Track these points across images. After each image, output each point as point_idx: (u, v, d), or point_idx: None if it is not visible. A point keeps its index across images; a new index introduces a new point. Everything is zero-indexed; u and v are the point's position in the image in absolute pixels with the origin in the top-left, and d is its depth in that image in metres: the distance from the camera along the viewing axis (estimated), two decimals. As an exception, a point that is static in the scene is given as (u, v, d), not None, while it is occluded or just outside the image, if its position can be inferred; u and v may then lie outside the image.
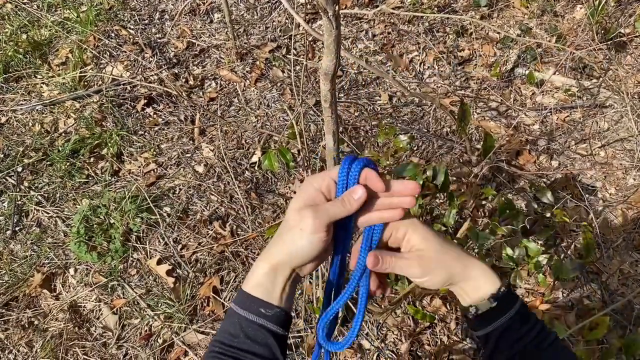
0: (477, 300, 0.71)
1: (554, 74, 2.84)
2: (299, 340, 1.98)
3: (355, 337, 0.73)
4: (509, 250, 1.67)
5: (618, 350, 1.34)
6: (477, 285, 0.71)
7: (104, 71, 3.00)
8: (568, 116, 2.69)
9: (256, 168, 2.54)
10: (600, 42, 2.80)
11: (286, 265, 0.70)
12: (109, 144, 2.62)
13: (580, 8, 3.09)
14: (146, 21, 3.30)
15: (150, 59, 3.04)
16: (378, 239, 0.72)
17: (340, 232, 0.73)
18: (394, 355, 1.94)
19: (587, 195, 2.33)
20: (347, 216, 0.70)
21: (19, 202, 2.45)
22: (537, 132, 2.64)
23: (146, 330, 2.06)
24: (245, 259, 2.22)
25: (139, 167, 2.57)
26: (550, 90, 2.82)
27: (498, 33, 3.03)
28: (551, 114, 2.68)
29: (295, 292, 0.73)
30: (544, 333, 0.70)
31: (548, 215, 1.78)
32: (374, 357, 1.94)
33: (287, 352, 1.95)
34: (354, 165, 0.69)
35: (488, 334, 0.71)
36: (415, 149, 2.57)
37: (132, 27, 3.25)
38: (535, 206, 2.10)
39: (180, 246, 2.28)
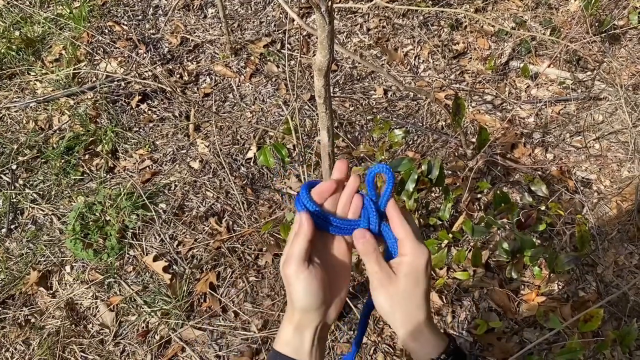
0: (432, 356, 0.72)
1: (549, 66, 2.84)
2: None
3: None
4: (504, 244, 1.68)
5: (613, 342, 1.35)
6: (418, 346, 0.71)
7: (97, 67, 2.98)
8: (563, 109, 2.69)
9: (252, 164, 2.54)
10: (595, 35, 2.80)
11: (307, 321, 0.70)
12: (104, 141, 2.61)
13: (575, 0, 3.09)
14: (140, 17, 3.28)
15: (144, 54, 3.02)
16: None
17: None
18: (390, 349, 1.95)
19: (581, 188, 2.34)
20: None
21: (14, 200, 2.44)
22: (532, 125, 2.64)
23: (143, 327, 2.06)
24: (241, 255, 2.22)
25: (134, 163, 2.56)
26: (545, 83, 2.83)
27: (492, 26, 3.02)
28: (546, 107, 2.69)
29: (325, 345, 0.75)
30: None
31: (543, 208, 1.78)
32: (371, 352, 1.95)
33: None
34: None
35: None
36: (410, 143, 2.57)
37: (125, 23, 3.23)
38: (530, 199, 2.11)
39: (176, 242, 2.28)
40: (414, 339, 0.71)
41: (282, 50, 3.03)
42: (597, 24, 2.88)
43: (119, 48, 3.05)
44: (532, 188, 1.94)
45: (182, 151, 2.60)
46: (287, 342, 0.71)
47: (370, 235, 0.70)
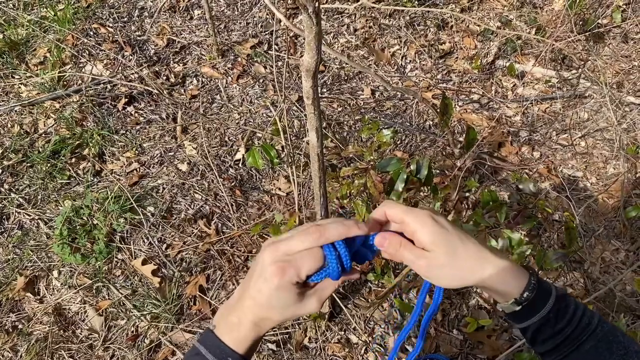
0: (501, 302, 0.72)
1: (534, 65, 2.86)
2: (287, 337, 1.99)
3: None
4: (492, 242, 1.69)
5: (601, 338, 1.36)
6: (498, 290, 0.70)
7: (83, 70, 2.95)
8: (549, 107, 2.72)
9: (240, 165, 2.53)
10: (579, 33, 2.83)
11: (268, 322, 0.68)
12: (90, 144, 2.59)
13: None
14: (125, 19, 3.26)
15: (130, 57, 3.00)
16: None
17: None
18: (381, 348, 1.95)
19: (568, 185, 2.36)
20: None
21: (0, 205, 2.41)
22: (518, 123, 2.66)
23: (133, 331, 2.05)
24: (230, 257, 2.21)
25: (121, 166, 2.54)
26: (531, 82, 2.85)
27: (478, 25, 3.04)
28: (532, 105, 2.71)
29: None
30: (583, 322, 0.69)
31: (531, 206, 1.80)
32: (362, 351, 1.95)
33: (276, 349, 1.95)
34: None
35: (525, 327, 0.72)
36: (398, 142, 2.58)
37: (111, 25, 3.21)
38: (518, 197, 2.12)
39: (165, 245, 2.26)
40: (490, 289, 0.70)
41: (270, 51, 3.02)
42: (581, 22, 2.91)
43: (104, 50, 3.03)
44: (520, 186, 1.96)
45: (170, 153, 2.59)
46: (234, 332, 0.69)
47: (388, 235, 0.70)
